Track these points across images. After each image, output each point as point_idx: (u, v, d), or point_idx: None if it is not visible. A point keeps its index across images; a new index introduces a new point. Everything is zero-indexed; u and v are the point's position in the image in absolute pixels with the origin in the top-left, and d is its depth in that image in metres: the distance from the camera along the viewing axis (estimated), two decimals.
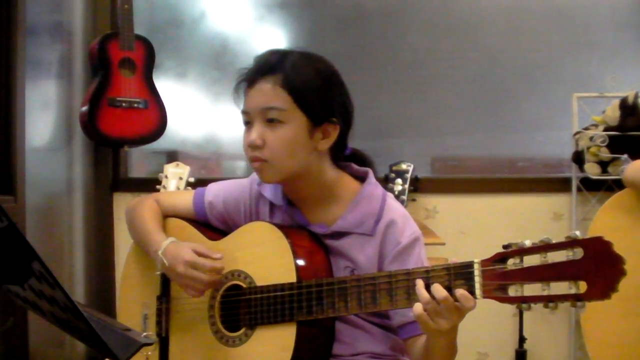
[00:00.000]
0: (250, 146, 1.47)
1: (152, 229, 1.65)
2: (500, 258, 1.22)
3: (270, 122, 1.45)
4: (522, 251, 1.20)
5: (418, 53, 3.24)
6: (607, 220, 2.01)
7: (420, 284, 1.29)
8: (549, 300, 1.17)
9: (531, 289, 1.20)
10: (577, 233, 1.16)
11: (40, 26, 2.79)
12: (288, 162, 1.47)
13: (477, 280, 1.24)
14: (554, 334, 3.02)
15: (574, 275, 1.15)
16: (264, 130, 1.46)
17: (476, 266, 1.24)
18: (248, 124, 1.50)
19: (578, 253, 1.15)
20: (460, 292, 1.24)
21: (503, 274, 1.21)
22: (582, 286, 1.14)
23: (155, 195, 1.81)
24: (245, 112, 1.50)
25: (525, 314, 2.92)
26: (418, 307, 1.28)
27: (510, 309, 2.96)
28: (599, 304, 1.93)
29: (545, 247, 1.18)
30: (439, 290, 1.26)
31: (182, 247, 1.55)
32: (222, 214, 1.67)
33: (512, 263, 1.21)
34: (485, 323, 2.92)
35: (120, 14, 2.93)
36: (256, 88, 1.47)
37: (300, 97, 1.45)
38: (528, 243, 1.20)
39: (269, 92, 1.45)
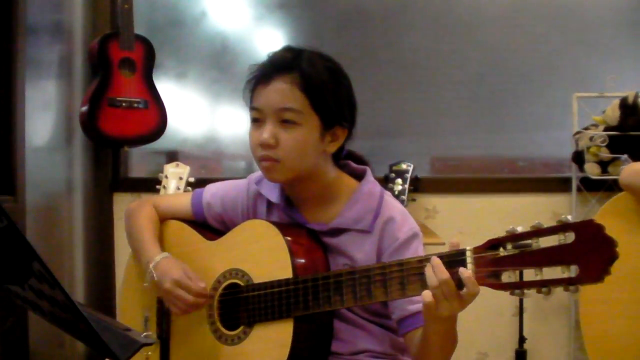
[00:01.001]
0: (262, 145, 1.46)
1: (147, 239, 1.66)
2: (493, 245, 1.22)
3: (285, 122, 1.45)
4: (514, 237, 1.20)
5: (418, 53, 3.24)
6: (604, 224, 2.00)
7: (429, 270, 1.26)
8: (542, 285, 1.17)
9: (524, 275, 1.20)
10: (569, 217, 1.15)
11: (40, 26, 2.79)
12: (298, 163, 1.47)
13: (470, 267, 1.23)
14: (554, 334, 3.02)
15: (567, 260, 1.14)
16: (276, 130, 1.45)
17: (468, 253, 1.24)
18: (257, 121, 1.48)
19: (570, 237, 1.14)
20: (466, 274, 1.22)
21: (496, 260, 1.21)
22: (574, 270, 1.14)
23: (153, 199, 1.80)
24: (256, 109, 1.48)
25: (525, 314, 2.92)
26: (428, 296, 1.26)
27: (510, 308, 2.96)
28: (601, 309, 1.93)
29: (537, 232, 1.17)
30: (441, 271, 1.24)
31: (173, 265, 1.57)
32: (220, 215, 1.68)
33: (504, 250, 1.21)
34: (485, 323, 2.92)
35: (120, 14, 2.93)
36: (272, 86, 1.45)
37: (316, 100, 1.45)
38: (520, 229, 1.20)
39: (286, 93, 1.44)
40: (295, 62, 1.46)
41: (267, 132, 1.45)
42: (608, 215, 2.01)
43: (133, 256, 1.76)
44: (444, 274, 1.24)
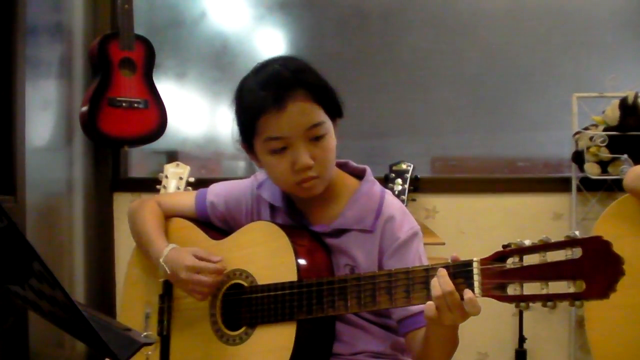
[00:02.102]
0: (302, 169, 1.42)
1: (153, 234, 1.65)
2: (500, 257, 1.22)
3: (314, 138, 1.42)
4: (522, 250, 1.20)
5: (418, 53, 3.24)
6: (608, 228, 1.98)
7: (434, 280, 1.26)
8: (548, 299, 1.17)
9: (530, 288, 1.20)
10: (577, 232, 1.16)
11: (40, 26, 2.79)
12: (332, 170, 1.48)
13: (476, 278, 1.23)
14: (554, 334, 3.02)
15: (573, 275, 1.14)
16: (310, 149, 1.43)
17: (475, 265, 1.24)
18: (282, 149, 1.43)
19: (577, 252, 1.15)
20: (469, 295, 1.23)
21: (502, 272, 1.21)
22: (581, 285, 1.14)
23: (157, 197, 1.80)
24: (279, 138, 1.42)
25: (525, 314, 2.92)
26: (431, 309, 1.26)
27: (510, 308, 2.96)
28: (606, 314, 1.92)
29: (544, 246, 1.17)
30: (446, 282, 1.25)
31: (182, 253, 1.55)
32: (223, 214, 1.67)
33: (511, 262, 1.21)
34: (485, 323, 2.92)
35: (120, 14, 2.93)
36: (291, 109, 1.39)
37: (328, 106, 1.45)
38: (527, 242, 1.20)
39: (308, 110, 1.41)
40: (293, 75, 1.42)
41: (304, 155, 1.41)
42: (612, 218, 2.00)
43: (140, 253, 1.75)
44: (449, 285, 1.24)
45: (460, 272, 1.25)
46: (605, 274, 1.12)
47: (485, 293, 1.23)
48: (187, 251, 1.55)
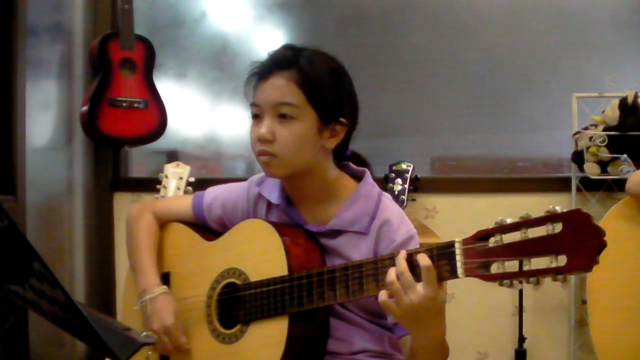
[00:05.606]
0: (260, 140, 1.47)
1: (145, 261, 1.68)
2: (482, 236, 1.23)
3: (282, 117, 1.46)
4: (503, 228, 1.20)
5: (418, 53, 3.24)
6: (612, 230, 1.98)
7: (391, 270, 1.29)
8: (531, 275, 1.17)
9: (513, 265, 1.21)
10: (557, 208, 1.16)
11: (40, 26, 2.79)
12: (296, 158, 1.48)
13: (459, 259, 1.24)
14: (553, 334, 3.02)
15: (554, 249, 1.14)
16: (274, 125, 1.46)
17: (457, 245, 1.25)
18: (257, 117, 1.50)
19: (557, 227, 1.15)
20: (424, 262, 1.25)
21: (484, 251, 1.21)
22: (563, 259, 1.14)
23: (154, 205, 1.80)
24: (255, 105, 1.50)
25: (525, 313, 2.92)
26: (382, 294, 1.29)
27: (510, 308, 2.97)
28: (610, 315, 1.92)
29: (525, 223, 1.18)
30: (400, 265, 1.27)
31: (167, 307, 1.60)
32: (220, 217, 1.68)
33: (493, 241, 1.21)
34: (484, 322, 2.92)
35: (121, 14, 2.93)
36: (270, 82, 1.47)
37: (313, 95, 1.46)
38: (509, 220, 1.20)
39: (283, 87, 1.46)
40: (294, 59, 1.48)
41: (264, 127, 1.47)
42: (615, 219, 1.99)
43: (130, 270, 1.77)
44: (403, 267, 1.26)
45: (442, 254, 1.26)
46: (587, 247, 1.11)
47: (469, 273, 1.23)
48: (172, 308, 1.61)
